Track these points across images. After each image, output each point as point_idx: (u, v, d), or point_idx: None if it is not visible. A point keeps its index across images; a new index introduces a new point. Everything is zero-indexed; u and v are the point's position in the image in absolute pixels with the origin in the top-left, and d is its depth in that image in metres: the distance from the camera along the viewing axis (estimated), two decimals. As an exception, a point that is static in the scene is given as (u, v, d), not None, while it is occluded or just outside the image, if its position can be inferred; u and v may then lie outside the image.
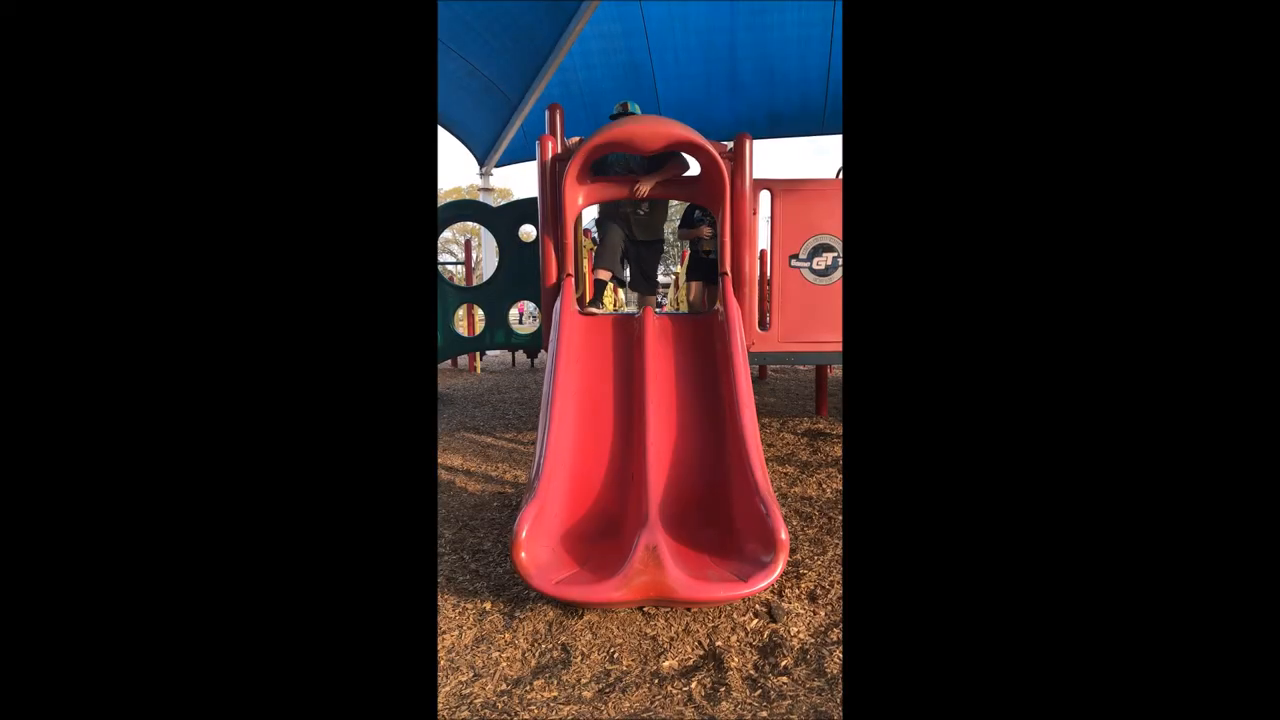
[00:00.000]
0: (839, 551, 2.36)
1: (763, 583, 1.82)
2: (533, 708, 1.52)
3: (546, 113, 3.24)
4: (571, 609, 1.95)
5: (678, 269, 8.88)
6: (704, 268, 4.23)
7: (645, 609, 1.96)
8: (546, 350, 2.82)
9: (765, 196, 3.25)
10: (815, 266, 3.29)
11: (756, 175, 3.08)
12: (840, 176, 3.95)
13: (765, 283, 3.86)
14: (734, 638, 1.83)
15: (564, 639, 1.83)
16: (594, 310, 3.17)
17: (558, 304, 2.89)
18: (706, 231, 3.93)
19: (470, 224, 4.48)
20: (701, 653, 1.77)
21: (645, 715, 1.49)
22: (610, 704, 1.54)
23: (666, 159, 3.20)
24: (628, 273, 3.87)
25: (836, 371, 6.47)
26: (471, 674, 1.67)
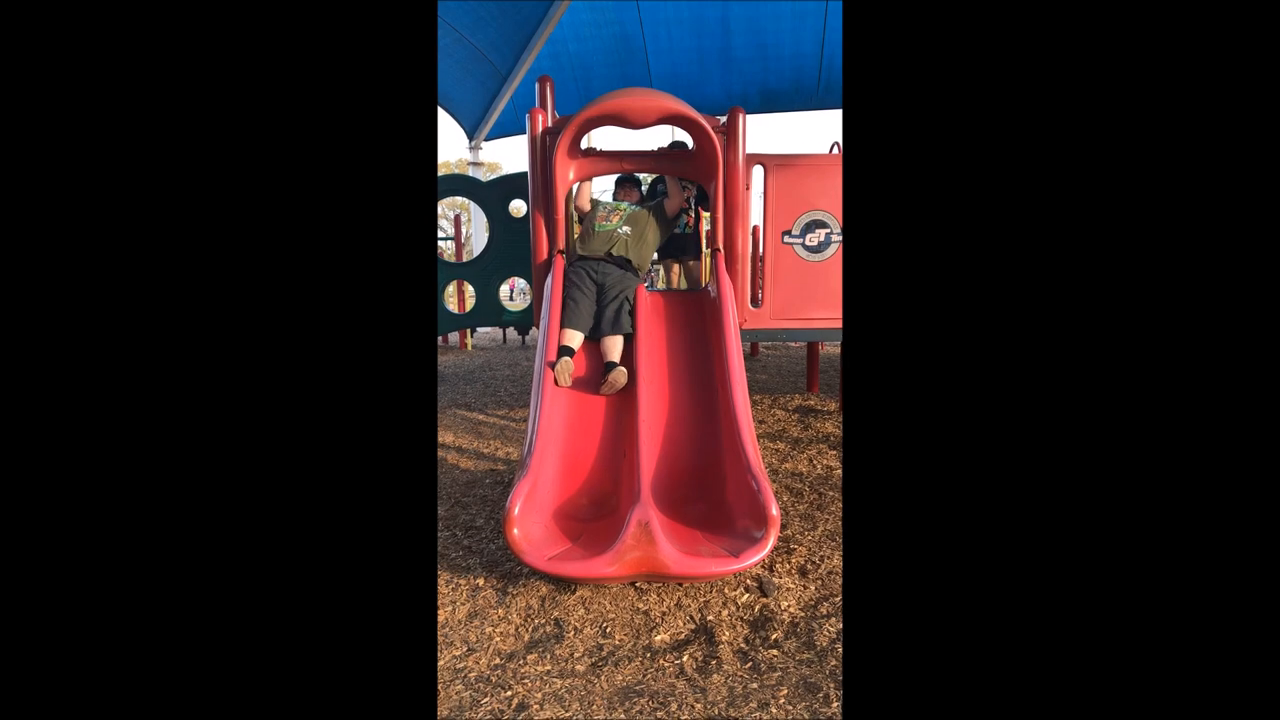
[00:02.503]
0: (829, 527, 2.38)
1: (754, 558, 1.84)
2: (526, 681, 1.54)
3: (536, 85, 3.18)
4: (564, 584, 1.97)
5: None
6: (677, 244, 4.20)
7: (637, 584, 1.97)
8: (538, 327, 2.80)
9: (758, 172, 3.22)
10: (808, 243, 3.28)
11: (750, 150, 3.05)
12: (833, 151, 3.92)
13: (758, 259, 3.84)
14: (725, 612, 1.85)
15: (557, 614, 1.84)
16: (559, 373, 2.52)
17: (549, 280, 2.87)
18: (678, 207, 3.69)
19: (460, 199, 4.42)
20: (693, 627, 1.79)
21: (638, 688, 1.51)
22: (603, 677, 1.56)
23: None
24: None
25: (828, 348, 6.49)
26: (465, 648, 1.68)
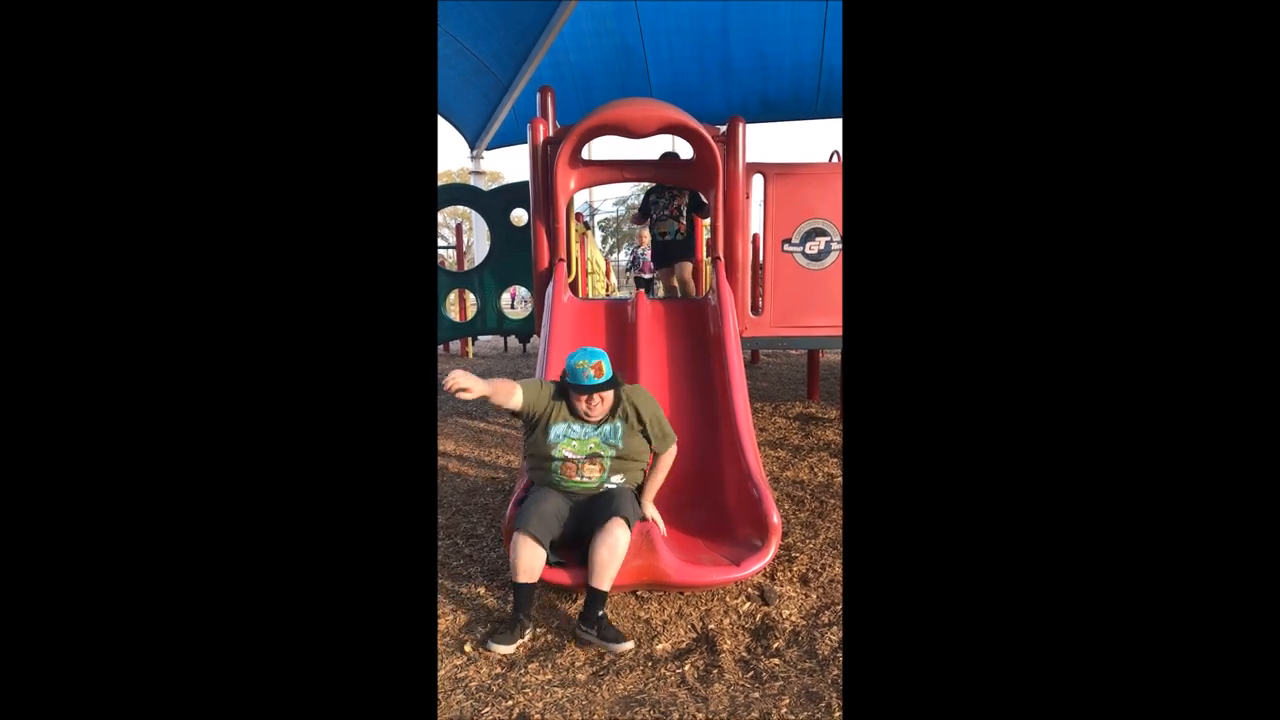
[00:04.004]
0: (830, 535, 2.37)
1: (755, 566, 1.83)
2: (527, 690, 1.53)
3: (538, 95, 3.20)
4: (565, 593, 1.96)
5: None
6: (668, 253, 4.21)
7: (639, 593, 1.97)
8: (539, 335, 2.81)
9: (758, 180, 3.23)
10: (808, 251, 3.29)
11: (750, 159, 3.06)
12: (833, 160, 3.94)
13: (758, 267, 3.85)
14: (726, 620, 1.84)
15: (558, 622, 1.84)
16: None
17: (549, 289, 2.88)
18: (646, 238, 3.85)
19: (461, 208, 4.42)
20: (695, 635, 1.78)
21: (639, 697, 1.50)
22: (604, 686, 1.55)
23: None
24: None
25: (829, 356, 6.48)
26: (466, 658, 1.68)
